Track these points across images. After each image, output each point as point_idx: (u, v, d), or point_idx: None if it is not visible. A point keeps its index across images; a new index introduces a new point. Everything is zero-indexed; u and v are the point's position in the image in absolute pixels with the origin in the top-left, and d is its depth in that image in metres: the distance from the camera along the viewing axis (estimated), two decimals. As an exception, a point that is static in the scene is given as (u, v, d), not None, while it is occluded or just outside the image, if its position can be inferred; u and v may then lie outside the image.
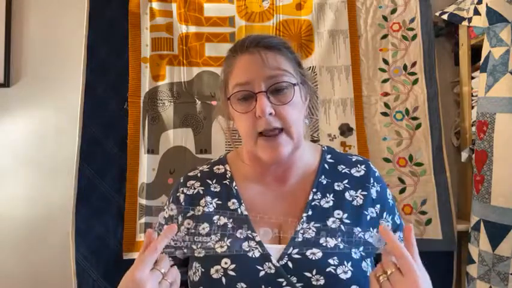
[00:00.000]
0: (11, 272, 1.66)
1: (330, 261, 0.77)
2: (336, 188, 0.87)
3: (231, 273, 0.77)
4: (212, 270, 0.78)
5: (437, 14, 1.66)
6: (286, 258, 0.78)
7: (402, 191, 1.57)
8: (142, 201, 1.52)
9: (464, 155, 1.60)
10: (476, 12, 1.46)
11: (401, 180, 1.58)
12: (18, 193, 1.68)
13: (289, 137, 0.81)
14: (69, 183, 1.51)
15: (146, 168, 1.53)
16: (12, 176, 1.69)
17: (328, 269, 0.76)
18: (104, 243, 1.48)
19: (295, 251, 0.78)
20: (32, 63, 1.71)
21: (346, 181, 0.88)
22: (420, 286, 0.63)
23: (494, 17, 1.36)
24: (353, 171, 0.89)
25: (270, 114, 0.79)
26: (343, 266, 0.77)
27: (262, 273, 0.77)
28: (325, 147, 0.95)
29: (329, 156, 0.92)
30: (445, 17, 1.62)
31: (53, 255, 1.64)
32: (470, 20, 1.51)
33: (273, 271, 0.77)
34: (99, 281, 1.45)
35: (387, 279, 0.66)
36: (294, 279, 0.76)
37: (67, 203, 1.50)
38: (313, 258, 0.77)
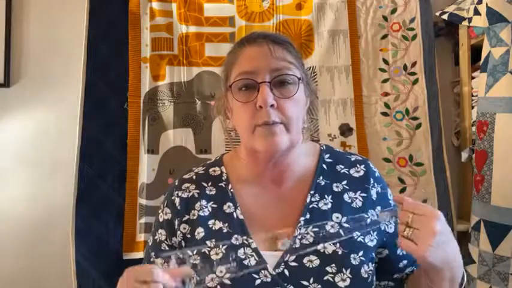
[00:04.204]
0: (11, 272, 1.66)
1: (328, 269, 0.75)
2: (335, 189, 0.84)
3: (226, 281, 0.75)
4: (207, 279, 0.76)
5: (437, 14, 1.66)
6: (283, 266, 0.76)
7: (402, 191, 1.57)
8: (143, 201, 1.52)
9: (464, 155, 1.61)
10: (476, 12, 1.46)
11: (401, 180, 1.58)
12: (18, 193, 1.68)
13: (288, 132, 0.78)
14: (69, 183, 1.51)
15: (146, 168, 1.53)
16: (12, 176, 1.69)
17: (325, 277, 0.74)
18: (104, 243, 1.48)
19: (292, 258, 0.76)
20: (32, 63, 1.71)
21: (345, 182, 0.85)
22: (441, 218, 0.69)
23: (494, 17, 1.36)
24: (352, 171, 0.86)
25: (272, 106, 0.76)
26: (342, 274, 0.75)
27: (258, 281, 0.75)
28: (324, 146, 0.91)
29: (327, 155, 0.89)
30: (445, 17, 1.62)
31: (53, 255, 1.64)
32: (470, 20, 1.51)
33: (269, 279, 0.75)
34: (99, 281, 1.45)
35: (411, 229, 0.68)
36: (290, 287, 0.74)
37: (67, 203, 1.50)
38: (310, 266, 0.75)
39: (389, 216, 0.74)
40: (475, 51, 1.58)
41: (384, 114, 1.62)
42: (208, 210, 0.83)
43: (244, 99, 0.79)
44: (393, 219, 0.75)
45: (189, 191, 0.86)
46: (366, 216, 0.79)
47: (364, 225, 0.77)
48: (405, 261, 0.86)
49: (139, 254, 1.44)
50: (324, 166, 0.87)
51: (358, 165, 0.87)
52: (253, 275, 0.76)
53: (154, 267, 0.65)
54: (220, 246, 0.79)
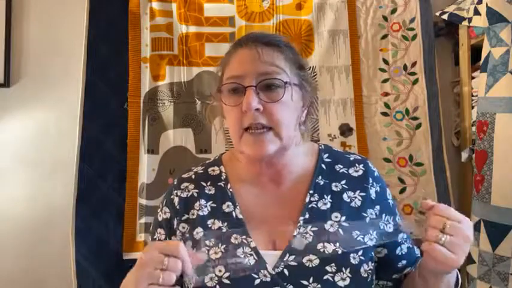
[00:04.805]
0: (11, 272, 1.66)
1: (328, 268, 0.75)
2: (334, 188, 0.84)
3: (226, 281, 0.75)
4: (206, 278, 0.76)
5: (437, 14, 1.66)
6: (282, 266, 0.76)
7: (402, 191, 1.57)
8: (143, 201, 1.52)
9: (464, 155, 1.60)
10: (476, 12, 1.46)
11: (401, 180, 1.58)
12: (18, 193, 1.68)
13: (277, 136, 0.78)
14: (69, 183, 1.51)
15: (146, 168, 1.54)
16: (12, 176, 1.68)
17: (325, 277, 0.74)
18: (104, 243, 1.48)
19: (292, 257, 0.76)
20: (32, 63, 1.71)
21: (344, 181, 0.85)
22: (471, 228, 0.68)
23: (494, 17, 1.36)
24: (351, 171, 0.86)
25: (257, 110, 0.76)
26: (341, 273, 0.75)
27: (257, 281, 0.75)
28: (322, 146, 0.92)
29: (326, 155, 0.89)
30: (445, 17, 1.62)
31: (53, 255, 1.64)
32: (470, 20, 1.51)
33: (268, 279, 0.75)
34: (99, 281, 1.45)
35: (447, 236, 0.66)
36: (290, 287, 0.74)
37: (67, 203, 1.50)
38: (310, 266, 0.75)
39: (412, 227, 0.73)
40: (475, 51, 1.58)
41: (384, 114, 1.62)
42: (208, 210, 0.84)
43: (232, 102, 0.80)
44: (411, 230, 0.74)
45: (188, 191, 0.87)
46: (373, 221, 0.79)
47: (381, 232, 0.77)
48: (404, 261, 0.86)
49: (139, 254, 1.43)
50: (323, 166, 0.87)
51: (357, 165, 0.87)
52: (252, 274, 0.76)
53: (181, 245, 0.66)
54: (219, 245, 0.79)
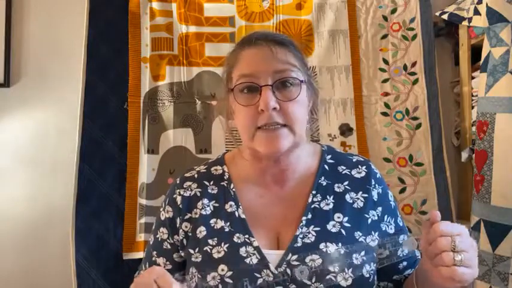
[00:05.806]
0: (11, 272, 1.66)
1: (330, 268, 0.75)
2: (336, 189, 0.85)
3: (228, 280, 0.75)
4: (209, 277, 0.77)
5: (437, 14, 1.66)
6: (285, 265, 0.76)
7: (402, 191, 1.57)
8: (142, 201, 1.52)
9: (464, 155, 1.60)
10: (476, 12, 1.46)
11: (401, 180, 1.58)
12: (18, 193, 1.68)
13: (291, 132, 0.78)
14: (69, 183, 1.51)
15: (146, 168, 1.53)
16: (12, 176, 1.68)
17: (328, 277, 0.75)
18: (104, 243, 1.48)
19: (294, 257, 0.77)
20: (32, 63, 1.71)
21: (346, 182, 0.86)
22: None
23: (494, 17, 1.36)
24: (353, 172, 0.87)
25: (274, 109, 0.76)
26: (344, 273, 0.75)
27: (260, 280, 0.75)
28: (325, 147, 0.92)
29: (329, 156, 0.90)
30: (445, 17, 1.62)
31: (53, 255, 1.64)
32: (470, 20, 1.51)
33: (271, 279, 0.75)
34: (99, 281, 1.45)
35: (461, 254, 0.63)
36: (292, 286, 0.75)
37: (67, 203, 1.50)
38: (313, 265, 0.75)
39: (414, 244, 0.72)
40: (475, 51, 1.58)
41: (384, 114, 1.62)
42: (210, 209, 0.84)
43: (246, 102, 0.79)
44: (416, 246, 0.72)
45: (191, 190, 0.87)
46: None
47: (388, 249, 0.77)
48: (405, 263, 0.86)
49: (139, 254, 1.44)
50: (326, 167, 0.88)
51: (359, 166, 0.88)
52: (255, 274, 0.76)
53: (176, 284, 0.65)
54: (222, 244, 0.79)
